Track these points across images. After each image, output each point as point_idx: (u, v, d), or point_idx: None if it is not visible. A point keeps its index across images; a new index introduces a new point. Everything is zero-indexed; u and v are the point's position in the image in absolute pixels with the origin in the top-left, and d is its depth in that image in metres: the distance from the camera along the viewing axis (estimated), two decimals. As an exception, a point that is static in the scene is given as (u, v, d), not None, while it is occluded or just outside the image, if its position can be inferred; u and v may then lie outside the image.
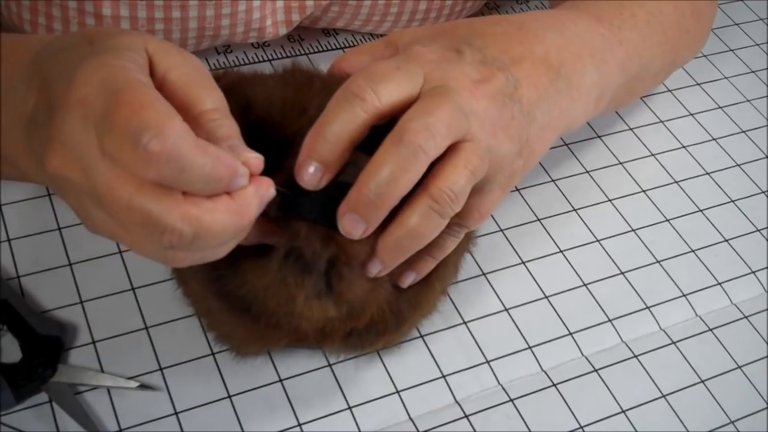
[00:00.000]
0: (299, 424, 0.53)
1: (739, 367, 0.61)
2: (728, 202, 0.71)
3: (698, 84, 0.80)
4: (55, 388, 0.52)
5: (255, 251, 0.47)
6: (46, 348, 0.53)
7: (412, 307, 0.53)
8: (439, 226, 0.48)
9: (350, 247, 0.46)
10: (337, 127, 0.45)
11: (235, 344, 0.54)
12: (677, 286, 0.64)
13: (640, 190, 0.70)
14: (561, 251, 0.65)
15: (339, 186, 0.46)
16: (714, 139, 0.76)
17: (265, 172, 0.43)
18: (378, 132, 0.47)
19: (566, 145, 0.72)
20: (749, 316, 0.64)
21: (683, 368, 0.60)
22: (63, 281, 0.57)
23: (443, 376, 0.57)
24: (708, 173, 0.73)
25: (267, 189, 0.43)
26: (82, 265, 0.58)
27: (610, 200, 0.69)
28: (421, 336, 0.58)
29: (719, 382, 0.60)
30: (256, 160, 0.43)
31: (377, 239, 0.47)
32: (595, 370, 0.59)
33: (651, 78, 0.70)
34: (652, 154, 0.73)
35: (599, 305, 0.62)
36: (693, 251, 0.67)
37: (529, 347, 0.59)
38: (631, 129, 0.75)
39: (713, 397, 0.59)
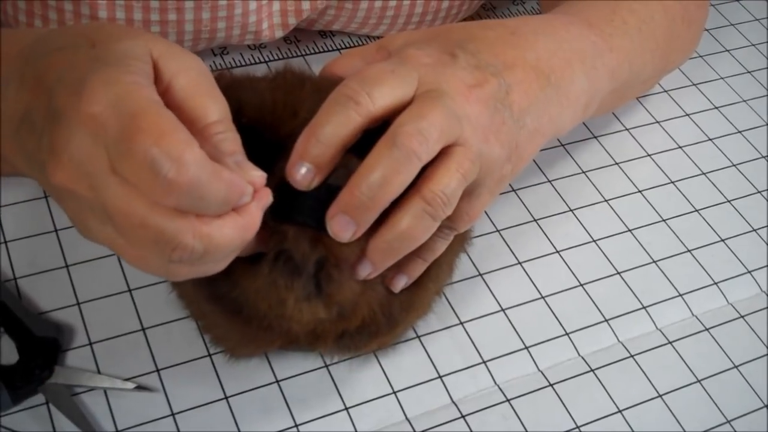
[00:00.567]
0: (296, 425, 0.53)
1: (736, 366, 0.61)
2: (724, 202, 0.71)
3: (694, 84, 0.80)
4: (52, 389, 0.52)
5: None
6: (43, 349, 0.53)
7: (404, 309, 0.53)
8: (431, 229, 0.48)
9: (339, 249, 0.46)
10: (330, 129, 0.45)
11: (229, 346, 0.54)
12: (673, 286, 0.64)
13: (636, 190, 0.71)
14: (557, 251, 0.65)
15: (329, 188, 0.46)
16: (710, 140, 0.76)
17: None
18: (369, 135, 0.47)
19: (562, 145, 0.72)
20: (746, 315, 0.64)
21: (680, 368, 0.60)
22: (60, 283, 0.57)
23: (440, 377, 0.57)
24: (704, 173, 0.73)
25: (267, 199, 0.44)
26: (79, 266, 0.58)
27: (606, 200, 0.69)
28: (418, 336, 0.58)
29: (716, 381, 0.60)
30: (260, 178, 0.43)
31: (367, 241, 0.47)
32: (592, 370, 0.59)
33: (641, 84, 0.71)
34: (648, 155, 0.73)
35: (596, 305, 0.62)
36: (689, 251, 0.67)
37: (526, 347, 0.59)
38: (627, 129, 0.75)
39: (710, 396, 0.59)
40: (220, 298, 0.49)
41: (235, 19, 0.66)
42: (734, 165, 0.74)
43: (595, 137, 0.74)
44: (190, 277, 0.44)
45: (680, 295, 0.64)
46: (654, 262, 0.66)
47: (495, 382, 0.57)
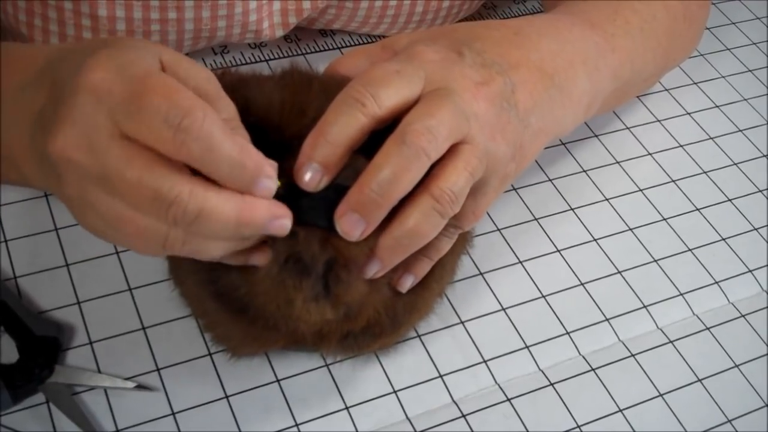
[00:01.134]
0: (296, 425, 0.53)
1: (737, 365, 0.61)
2: (725, 201, 0.71)
3: (695, 83, 0.80)
4: (52, 388, 0.52)
5: None
6: (43, 349, 0.53)
7: (408, 310, 0.53)
8: (439, 226, 0.48)
9: (347, 250, 0.46)
10: (338, 129, 0.46)
11: (231, 345, 0.54)
12: (674, 285, 0.64)
13: (637, 189, 0.70)
14: (558, 250, 0.65)
15: (337, 188, 0.46)
16: (711, 138, 0.76)
17: None
18: (376, 136, 0.47)
19: (563, 144, 0.72)
20: (746, 314, 0.64)
21: (680, 367, 0.60)
22: (60, 282, 0.57)
23: (440, 376, 0.57)
24: (705, 172, 0.73)
25: (280, 216, 0.44)
26: (80, 265, 0.58)
27: (607, 199, 0.69)
28: (419, 336, 0.58)
29: (717, 380, 0.60)
30: (270, 167, 0.44)
31: (375, 241, 0.47)
32: (593, 369, 0.59)
33: (642, 82, 0.71)
34: (649, 153, 0.73)
35: (596, 304, 0.62)
36: (690, 250, 0.67)
37: (527, 346, 0.59)
38: (628, 128, 0.75)
39: (711, 396, 0.59)
40: (225, 296, 0.49)
41: (236, 17, 0.66)
42: (735, 164, 0.74)
43: (596, 136, 0.73)
44: (184, 254, 0.44)
45: (681, 294, 0.64)
46: (655, 261, 0.66)
47: (496, 382, 0.57)
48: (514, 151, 0.53)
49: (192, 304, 0.55)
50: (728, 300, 0.65)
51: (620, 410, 0.57)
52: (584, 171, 0.71)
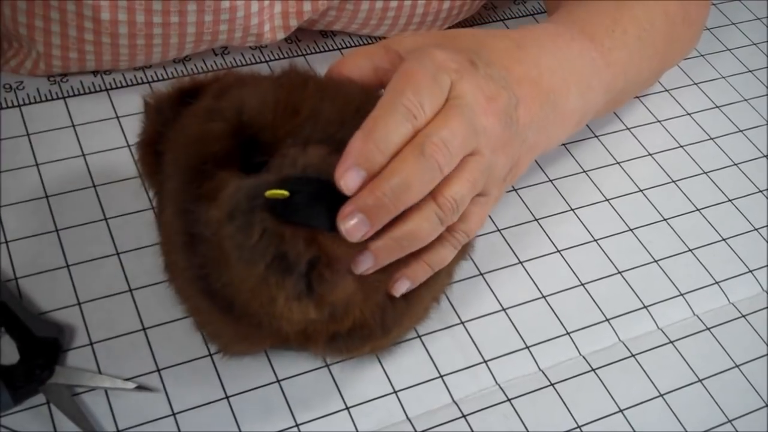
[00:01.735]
0: (297, 425, 0.53)
1: (737, 366, 0.61)
2: (726, 202, 0.71)
3: (695, 83, 0.80)
4: (52, 389, 0.52)
5: None
6: (43, 349, 0.53)
7: (398, 315, 0.53)
8: (436, 232, 0.49)
9: (332, 249, 0.46)
10: (392, 138, 0.46)
11: (222, 343, 0.54)
12: (675, 286, 0.64)
13: (638, 189, 0.70)
14: (558, 251, 0.65)
15: (325, 185, 0.45)
16: (711, 139, 0.76)
17: (254, 173, 0.44)
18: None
19: (563, 144, 0.72)
20: (747, 315, 0.64)
21: (681, 367, 0.60)
22: (60, 283, 0.57)
23: (441, 376, 0.57)
24: (705, 172, 0.73)
25: None
26: (80, 266, 0.58)
27: (607, 200, 0.69)
28: (419, 336, 0.58)
29: (717, 381, 0.60)
30: None
31: (363, 242, 0.47)
32: (593, 370, 0.59)
33: (636, 88, 0.72)
34: (650, 154, 0.73)
35: (597, 305, 0.62)
36: (690, 250, 0.67)
37: (527, 347, 0.59)
38: (628, 128, 0.75)
39: (711, 396, 0.59)
40: (213, 293, 0.49)
41: (237, 21, 0.66)
42: (735, 164, 0.74)
43: (596, 136, 0.73)
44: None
45: (681, 294, 0.64)
46: (655, 261, 0.66)
47: (496, 382, 0.57)
48: (512, 166, 0.54)
49: (184, 302, 0.55)
50: (728, 300, 0.65)
51: (620, 410, 0.57)
52: (584, 171, 0.71)
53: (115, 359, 0.54)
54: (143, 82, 0.70)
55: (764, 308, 0.65)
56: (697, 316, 0.63)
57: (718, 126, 0.77)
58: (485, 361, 0.58)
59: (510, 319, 0.60)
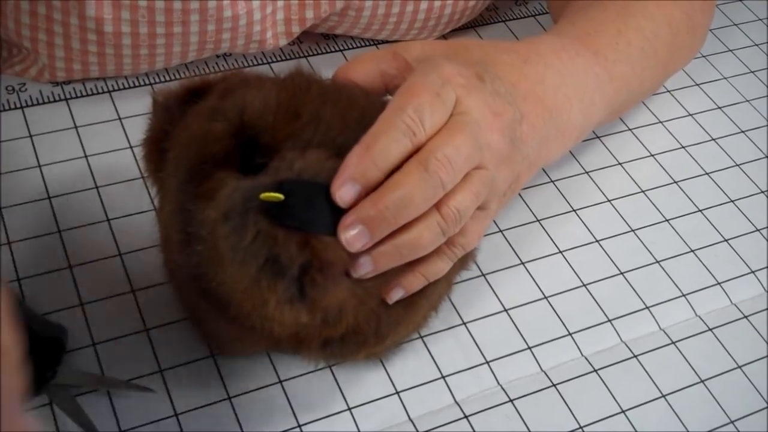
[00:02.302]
0: (299, 426, 0.53)
1: (739, 366, 0.61)
2: (728, 202, 0.71)
3: (697, 84, 0.80)
4: (55, 390, 0.52)
5: None
6: (46, 350, 0.53)
7: (393, 322, 0.52)
8: (438, 243, 0.49)
9: (325, 254, 0.46)
10: (389, 155, 0.47)
11: (218, 343, 0.54)
12: (677, 286, 0.64)
13: (640, 190, 0.70)
14: (560, 252, 0.65)
15: (321, 189, 0.45)
16: (713, 140, 0.76)
17: (253, 175, 0.44)
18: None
19: (565, 145, 0.72)
20: (749, 315, 0.64)
21: (683, 368, 0.60)
22: (63, 284, 0.57)
23: (443, 377, 0.57)
24: (707, 173, 0.73)
25: None
26: (82, 267, 0.58)
27: (609, 200, 0.69)
28: (421, 337, 0.58)
29: (719, 381, 0.60)
30: None
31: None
32: (595, 371, 0.59)
33: (638, 99, 0.72)
34: (652, 155, 0.73)
35: (599, 305, 0.62)
36: (692, 251, 0.67)
37: (529, 347, 0.59)
38: (630, 129, 0.75)
39: (713, 396, 0.59)
40: (209, 293, 0.49)
41: (240, 29, 0.66)
42: (737, 165, 0.74)
43: (598, 137, 0.74)
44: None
45: (683, 295, 0.64)
46: (657, 262, 0.66)
47: (498, 383, 0.57)
48: (512, 181, 0.54)
49: (183, 300, 0.55)
50: (731, 301, 0.65)
51: (623, 411, 0.57)
52: (586, 172, 0.71)
53: (118, 360, 0.54)
54: (146, 84, 0.70)
55: (766, 309, 0.65)
56: (699, 317, 0.63)
57: (719, 127, 0.77)
58: (487, 362, 0.58)
59: (512, 320, 0.60)
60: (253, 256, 0.45)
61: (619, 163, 0.72)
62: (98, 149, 0.65)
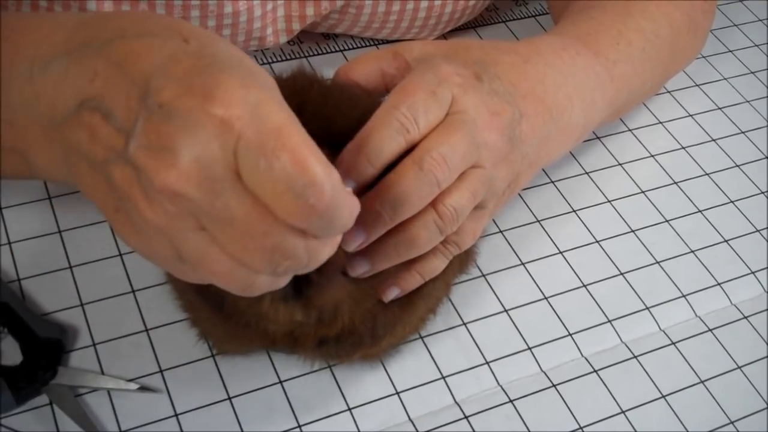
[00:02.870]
0: (299, 426, 0.53)
1: (739, 367, 0.61)
2: (728, 203, 0.71)
3: (697, 85, 0.80)
4: (55, 390, 0.52)
5: None
6: (46, 350, 0.53)
7: (389, 323, 0.52)
8: (435, 241, 0.50)
9: None
10: (382, 153, 0.47)
11: (215, 341, 0.54)
12: (677, 287, 0.64)
13: (640, 191, 0.70)
14: (560, 252, 0.65)
15: None
16: (713, 140, 0.76)
17: None
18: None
19: (565, 146, 0.72)
20: (749, 316, 0.64)
21: (683, 369, 0.60)
22: (63, 284, 0.57)
23: (443, 377, 0.57)
24: (707, 174, 0.73)
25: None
26: (83, 267, 0.58)
27: (609, 201, 0.69)
28: (421, 337, 0.58)
29: (719, 382, 0.60)
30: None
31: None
32: (595, 371, 0.59)
33: (639, 99, 0.72)
34: (652, 155, 0.73)
35: (599, 306, 0.62)
36: (692, 252, 0.67)
37: (529, 348, 0.59)
38: (630, 130, 0.75)
39: (713, 397, 0.59)
40: (205, 290, 0.49)
41: (240, 26, 0.66)
42: (737, 165, 0.74)
43: (599, 138, 0.74)
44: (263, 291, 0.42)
45: (683, 295, 0.64)
46: (657, 262, 0.66)
47: (498, 383, 0.57)
48: (511, 180, 0.54)
49: (180, 298, 0.55)
50: (730, 301, 0.65)
51: (622, 411, 0.57)
52: (586, 173, 0.71)
53: (118, 360, 0.54)
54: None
55: (766, 309, 0.65)
56: (699, 318, 0.63)
57: (719, 127, 0.77)
58: (487, 362, 0.58)
59: (512, 321, 0.60)
60: None
61: (620, 164, 0.72)
62: (98, 149, 0.65)
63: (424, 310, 0.56)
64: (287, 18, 0.69)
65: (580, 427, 0.56)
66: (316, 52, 0.76)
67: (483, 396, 0.56)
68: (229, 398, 0.54)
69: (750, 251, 0.68)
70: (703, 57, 0.83)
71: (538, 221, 0.67)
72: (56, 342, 0.53)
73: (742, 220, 0.70)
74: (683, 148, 0.75)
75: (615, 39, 0.64)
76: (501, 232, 0.65)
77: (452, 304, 0.60)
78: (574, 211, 0.68)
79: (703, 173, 0.73)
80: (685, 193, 0.71)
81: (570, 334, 0.60)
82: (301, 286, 0.48)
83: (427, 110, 0.48)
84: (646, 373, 0.59)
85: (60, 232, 0.60)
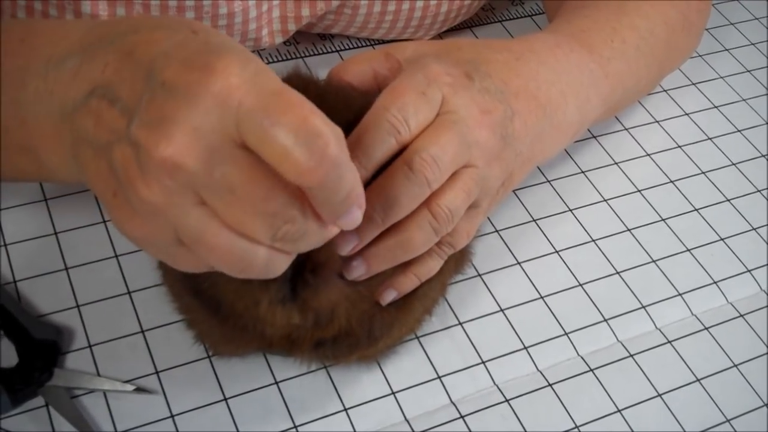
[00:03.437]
0: (295, 426, 0.53)
1: (736, 365, 0.61)
2: (724, 201, 0.71)
3: (693, 83, 0.80)
4: (51, 391, 0.52)
5: None
6: (42, 352, 0.53)
7: (386, 324, 0.52)
8: (431, 242, 0.50)
9: (317, 255, 0.46)
10: (375, 155, 0.47)
11: (211, 343, 0.54)
12: (673, 286, 0.64)
13: (636, 189, 0.71)
14: (556, 251, 0.65)
15: None
16: (709, 139, 0.76)
17: None
18: None
19: (561, 145, 0.72)
20: (745, 314, 0.64)
21: (679, 367, 0.60)
22: (59, 285, 0.57)
23: (439, 377, 0.57)
24: (703, 172, 0.73)
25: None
26: (79, 269, 0.58)
27: (605, 200, 0.69)
28: (417, 337, 0.58)
29: (715, 380, 0.60)
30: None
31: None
32: (591, 370, 0.59)
33: (633, 97, 0.72)
34: (648, 154, 0.73)
35: (595, 305, 0.62)
36: (689, 250, 0.67)
37: (525, 347, 0.59)
38: (626, 129, 0.75)
39: (709, 395, 0.59)
40: (202, 293, 0.49)
41: (236, 27, 0.66)
42: (734, 164, 0.74)
43: (594, 137, 0.74)
44: (260, 274, 0.41)
45: (680, 294, 0.64)
46: (653, 261, 0.66)
47: (494, 383, 0.57)
48: (505, 178, 0.54)
49: (176, 300, 0.55)
50: (727, 300, 0.65)
51: (619, 410, 0.57)
52: (582, 172, 0.71)
53: (114, 361, 0.54)
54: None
55: (762, 308, 0.65)
56: (696, 316, 0.63)
57: (716, 126, 0.77)
58: (483, 362, 0.58)
59: (508, 320, 0.60)
60: None
61: (615, 163, 0.72)
62: (94, 151, 0.65)
63: (420, 310, 0.56)
64: (283, 19, 0.69)
65: (577, 427, 0.56)
66: (312, 53, 0.76)
67: (479, 396, 0.57)
68: (225, 399, 0.54)
69: (746, 249, 0.68)
70: (699, 55, 0.83)
71: (534, 220, 0.67)
72: (52, 343, 0.53)
73: (738, 218, 0.70)
74: (679, 146, 0.75)
75: (609, 36, 0.64)
76: (497, 231, 0.65)
77: (448, 304, 0.60)
78: (570, 210, 0.68)
79: (700, 172, 0.73)
80: (681, 192, 0.71)
81: (566, 333, 0.60)
82: (298, 288, 0.48)
83: (417, 111, 0.49)
84: (643, 372, 0.59)
85: (56, 233, 0.60)
